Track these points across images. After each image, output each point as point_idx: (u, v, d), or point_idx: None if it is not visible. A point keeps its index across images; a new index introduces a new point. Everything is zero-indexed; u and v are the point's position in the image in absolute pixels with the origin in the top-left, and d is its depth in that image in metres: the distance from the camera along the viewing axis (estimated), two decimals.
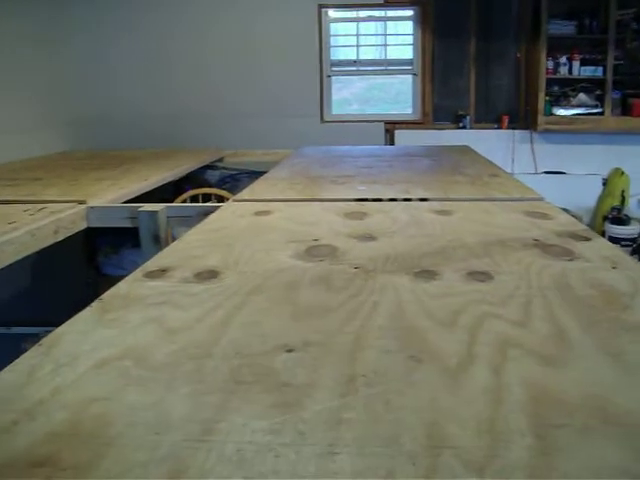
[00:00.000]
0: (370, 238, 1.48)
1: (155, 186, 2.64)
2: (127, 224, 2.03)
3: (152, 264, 1.30)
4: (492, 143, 4.55)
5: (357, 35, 4.99)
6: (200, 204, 2.26)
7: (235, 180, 3.65)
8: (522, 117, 4.74)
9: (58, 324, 0.96)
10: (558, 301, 1.04)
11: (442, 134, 4.71)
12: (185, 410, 0.70)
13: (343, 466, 0.58)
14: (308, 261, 1.29)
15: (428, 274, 1.19)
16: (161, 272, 1.24)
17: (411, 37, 4.80)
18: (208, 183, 3.49)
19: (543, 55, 4.41)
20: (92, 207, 2.08)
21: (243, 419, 0.67)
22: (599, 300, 1.05)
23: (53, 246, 2.51)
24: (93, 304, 1.07)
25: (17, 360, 0.84)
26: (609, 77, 4.51)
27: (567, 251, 1.36)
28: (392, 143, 4.75)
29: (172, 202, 2.41)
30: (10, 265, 1.99)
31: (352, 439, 0.63)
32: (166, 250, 1.44)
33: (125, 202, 2.30)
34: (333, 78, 4.95)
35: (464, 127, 4.73)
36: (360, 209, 1.83)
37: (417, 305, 1.02)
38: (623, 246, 4.52)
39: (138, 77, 4.93)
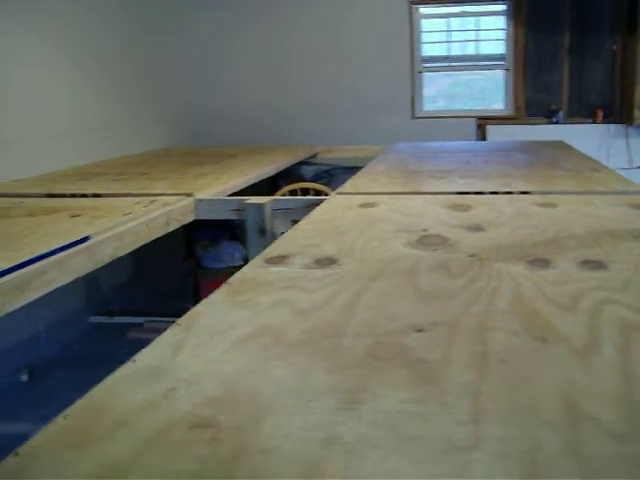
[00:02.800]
0: (478, 229, 1.51)
1: (255, 180, 2.72)
2: (233, 216, 2.11)
3: (271, 251, 1.36)
4: (586, 138, 4.47)
5: (448, 31, 4.99)
6: (303, 197, 2.32)
7: (330, 175, 3.72)
8: (617, 111, 4.64)
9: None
10: None
11: (535, 129, 4.65)
12: (330, 382, 0.75)
13: (488, 433, 0.62)
14: (422, 250, 1.33)
15: (542, 262, 1.21)
16: (281, 258, 1.29)
17: (503, 32, 4.76)
18: (304, 178, 3.57)
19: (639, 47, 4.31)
20: (200, 199, 2.17)
21: (386, 390, 0.72)
22: None
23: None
24: (222, 287, 1.14)
25: (158, 338, 0.90)
26: None
27: None
28: (484, 139, 4.73)
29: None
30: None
31: (493, 409, 0.67)
32: (281, 239, 1.50)
33: (229, 195, 2.38)
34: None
35: (557, 122, 4.66)
36: (464, 201, 1.85)
37: (536, 291, 1.05)
38: None
39: (235, 75, 5.04)
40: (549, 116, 4.74)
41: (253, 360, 0.82)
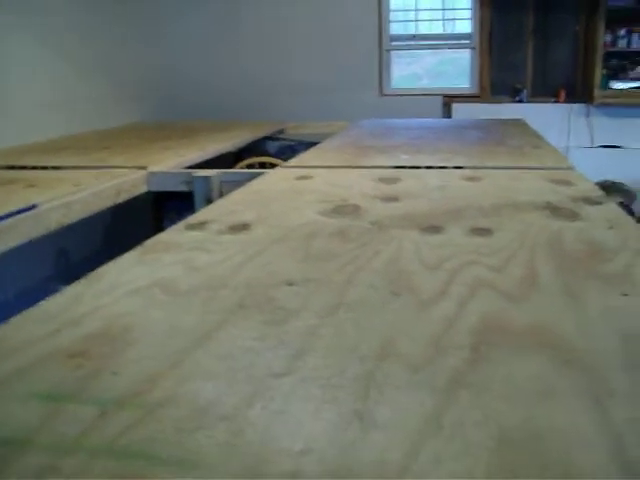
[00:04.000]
0: (394, 199, 1.61)
1: (212, 156, 2.82)
2: (184, 188, 2.21)
3: (194, 218, 1.46)
4: (548, 116, 4.57)
5: (416, 10, 5.07)
6: (251, 170, 2.42)
7: (293, 150, 3.80)
8: (579, 91, 4.74)
9: None
10: (544, 253, 1.15)
11: (499, 108, 4.75)
12: (194, 323, 0.85)
13: (307, 364, 0.73)
14: (331, 217, 1.43)
15: (434, 229, 1.32)
16: (200, 224, 1.40)
17: (469, 11, 4.85)
18: (268, 153, 3.66)
19: (601, 28, 4.39)
20: (152, 172, 2.27)
21: (237, 331, 0.83)
22: (583, 254, 1.16)
23: (123, 212, 2.72)
24: (137, 248, 1.24)
25: (65, 288, 1.01)
26: None
27: (573, 213, 1.46)
28: (449, 116, 4.83)
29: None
30: (83, 228, 2.20)
31: (320, 347, 0.77)
32: (209, 207, 1.60)
33: (184, 168, 2.48)
34: (401, 53, 5.06)
35: (521, 101, 4.76)
36: (396, 175, 1.95)
37: (414, 254, 1.15)
38: None
39: (206, 51, 5.13)
40: (513, 95, 4.84)
41: (137, 306, 0.92)
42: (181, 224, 1.41)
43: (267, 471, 0.54)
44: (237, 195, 1.72)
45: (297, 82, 4.93)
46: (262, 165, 3.01)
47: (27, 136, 3.30)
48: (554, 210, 1.48)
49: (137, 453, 0.57)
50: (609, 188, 4.42)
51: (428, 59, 5.87)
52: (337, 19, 4.88)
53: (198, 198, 2.13)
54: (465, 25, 4.94)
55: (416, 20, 5.07)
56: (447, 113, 4.84)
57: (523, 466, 0.54)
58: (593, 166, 4.65)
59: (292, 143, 3.88)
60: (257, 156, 3.26)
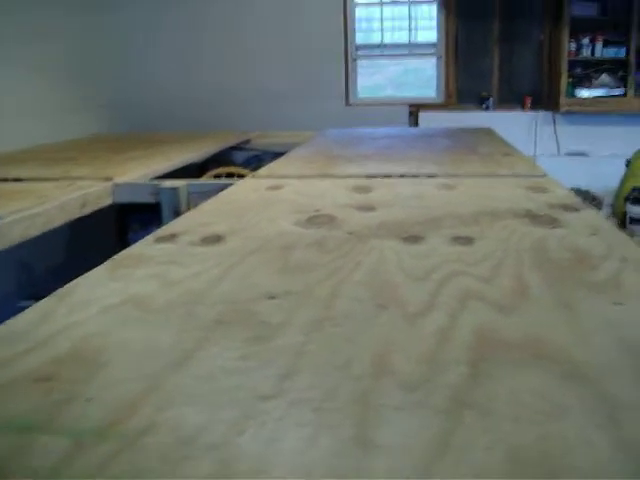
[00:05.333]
0: (370, 209, 1.57)
1: (178, 166, 2.76)
2: (151, 200, 2.15)
3: (164, 230, 1.41)
4: (515, 124, 4.59)
5: (382, 19, 5.07)
6: (220, 181, 2.37)
7: (259, 160, 3.76)
8: (545, 99, 4.77)
9: None
10: (530, 261, 1.12)
11: (466, 116, 4.76)
12: (171, 342, 0.80)
13: (293, 385, 0.68)
14: (308, 228, 1.39)
15: (415, 239, 1.28)
16: (171, 237, 1.34)
17: (434, 20, 4.86)
18: (234, 164, 3.61)
19: (565, 37, 4.43)
20: (117, 184, 2.20)
21: (219, 349, 0.78)
22: (569, 262, 1.13)
23: (86, 224, 2.64)
24: (106, 262, 1.18)
25: (34, 305, 0.96)
26: (632, 58, 4.52)
27: (553, 220, 1.43)
28: (416, 125, 4.82)
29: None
30: (45, 240, 2.13)
31: (309, 366, 0.73)
32: (179, 218, 1.55)
33: (151, 179, 2.42)
34: (365, 62, 5.04)
35: (487, 109, 4.78)
36: (368, 184, 1.92)
37: (396, 264, 1.11)
38: None
39: (170, 61, 5.08)
40: (480, 103, 4.86)
41: (110, 325, 0.87)
42: (150, 237, 1.35)
43: None
44: (207, 206, 1.67)
45: (263, 91, 4.91)
46: (229, 175, 2.96)
47: None
48: (533, 217, 1.46)
49: None
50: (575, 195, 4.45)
51: (392, 69, 5.88)
52: (302, 29, 4.86)
53: (165, 210, 2.07)
54: (430, 34, 4.95)
55: (382, 29, 5.06)
56: (414, 122, 4.84)
57: None
58: (560, 174, 4.67)
59: (258, 153, 3.83)
60: (223, 167, 3.21)
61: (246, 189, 1.90)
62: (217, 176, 2.92)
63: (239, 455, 0.56)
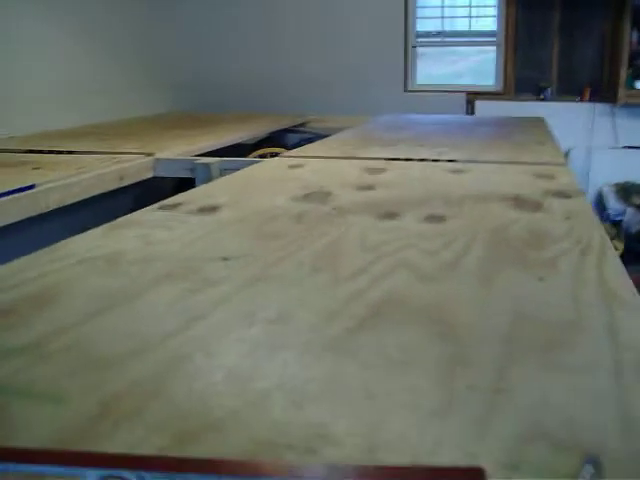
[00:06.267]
0: (369, 188, 1.67)
1: (226, 145, 2.90)
2: (187, 174, 2.30)
3: (171, 199, 1.54)
4: (572, 116, 4.55)
5: (442, 7, 5.08)
6: (250, 158, 2.49)
7: (311, 142, 3.87)
8: (605, 90, 4.70)
9: None
10: (484, 240, 1.20)
11: (523, 105, 4.74)
12: (117, 290, 0.93)
13: (198, 326, 0.80)
14: (298, 203, 1.50)
15: (390, 215, 1.37)
16: (173, 206, 1.48)
17: (495, 8, 4.85)
18: (286, 145, 3.73)
19: (627, 26, 4.35)
20: (158, 159, 2.36)
21: (156, 297, 0.90)
22: (522, 242, 1.20)
23: (127, 197, 2.81)
24: (107, 224, 1.32)
25: (26, 256, 1.10)
26: None
27: (537, 205, 1.49)
28: (472, 114, 4.84)
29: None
30: (86, 214, 2.30)
31: (223, 310, 0.84)
32: (192, 190, 1.68)
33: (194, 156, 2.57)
34: (444, 51, 5.09)
35: (545, 99, 4.74)
36: (384, 166, 2.00)
37: (358, 237, 1.21)
38: None
39: (245, 44, 5.24)
40: (538, 93, 4.82)
41: (79, 273, 1.01)
42: (156, 205, 1.49)
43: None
44: (222, 180, 1.80)
45: (323, 77, 5.02)
46: (274, 155, 3.09)
47: (58, 123, 3.43)
48: (519, 202, 1.52)
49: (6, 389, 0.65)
50: (629, 189, 4.39)
51: (473, 58, 5.86)
52: (364, 15, 4.94)
53: (199, 184, 2.21)
54: (491, 23, 4.95)
55: (442, 17, 5.09)
56: (470, 110, 4.86)
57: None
58: (616, 167, 4.63)
59: (311, 136, 3.94)
60: (271, 147, 3.34)
61: (268, 167, 2.02)
62: (262, 155, 3.05)
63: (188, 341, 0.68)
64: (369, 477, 0.37)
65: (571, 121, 4.37)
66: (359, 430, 0.57)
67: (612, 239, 4.49)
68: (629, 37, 4.40)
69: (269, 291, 0.92)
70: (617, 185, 4.66)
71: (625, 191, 4.59)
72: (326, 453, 0.54)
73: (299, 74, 5.06)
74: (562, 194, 1.63)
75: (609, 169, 4.55)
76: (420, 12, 4.99)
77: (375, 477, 0.38)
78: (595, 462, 0.52)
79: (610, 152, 4.64)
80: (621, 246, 4.45)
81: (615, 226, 4.66)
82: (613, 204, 4.65)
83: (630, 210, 4.52)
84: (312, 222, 1.32)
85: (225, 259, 1.07)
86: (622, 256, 4.45)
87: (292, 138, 3.90)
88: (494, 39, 4.91)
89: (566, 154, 4.60)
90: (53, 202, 1.89)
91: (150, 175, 2.34)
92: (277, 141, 3.71)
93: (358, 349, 0.74)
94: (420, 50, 5.10)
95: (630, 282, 0.99)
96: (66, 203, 1.96)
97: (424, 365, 0.70)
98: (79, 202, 2.01)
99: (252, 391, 0.64)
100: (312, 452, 0.54)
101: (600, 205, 4.83)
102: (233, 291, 0.92)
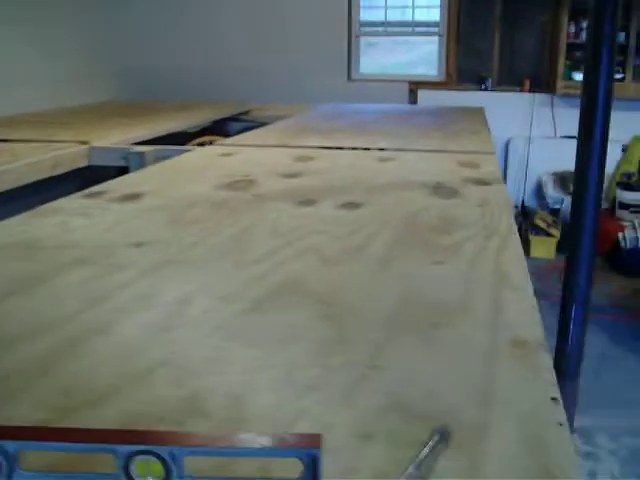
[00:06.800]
0: (295, 176, 1.70)
1: (164, 133, 2.91)
2: (122, 163, 2.30)
3: (96, 187, 1.55)
4: (513, 106, 4.65)
5: None
6: (184, 147, 2.51)
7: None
8: (544, 81, 4.81)
9: None
10: (395, 226, 1.24)
11: (464, 95, 4.82)
12: (30, 273, 0.95)
13: (111, 303, 0.83)
14: (222, 190, 1.52)
15: (308, 202, 1.41)
16: (98, 193, 1.49)
17: None
18: (228, 134, 3.75)
19: (565, 19, 4.47)
20: (93, 147, 2.36)
21: (65, 280, 0.92)
22: (432, 228, 1.25)
23: (68, 187, 2.80)
24: (29, 211, 1.34)
25: None
26: (632, 43, 4.53)
27: (453, 192, 1.54)
28: (415, 103, 4.91)
29: None
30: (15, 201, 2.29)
31: (120, 295, 0.87)
32: (118, 178, 1.69)
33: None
34: (398, 40, 5.14)
35: (486, 89, 4.84)
36: (315, 154, 2.04)
37: (272, 222, 1.25)
38: (632, 212, 4.57)
39: (187, 32, 5.23)
40: (480, 83, 4.91)
41: None
42: (80, 193, 1.50)
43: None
44: (150, 169, 1.82)
45: (266, 66, 5.04)
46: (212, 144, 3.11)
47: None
48: (437, 189, 1.57)
49: None
50: (567, 178, 4.50)
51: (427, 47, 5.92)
52: (307, 5, 4.97)
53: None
54: (433, 13, 5.02)
55: (386, 7, 5.14)
56: (413, 99, 4.93)
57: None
58: (555, 156, 4.74)
59: (254, 124, 3.96)
60: (211, 136, 3.35)
61: (199, 155, 2.04)
62: (201, 144, 3.06)
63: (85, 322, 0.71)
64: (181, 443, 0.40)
65: (511, 111, 4.47)
66: (230, 403, 0.61)
67: (549, 226, 4.61)
68: (567, 29, 4.51)
69: (174, 275, 0.95)
70: (555, 174, 4.77)
71: (563, 180, 4.71)
72: (195, 425, 0.57)
73: (243, 63, 5.08)
74: (482, 181, 1.68)
75: (548, 158, 4.65)
76: (365, 2, 5.04)
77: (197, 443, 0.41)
78: (443, 431, 0.57)
79: (549, 141, 4.75)
80: (558, 233, 4.57)
81: (553, 214, 4.79)
82: (551, 192, 4.77)
83: (568, 198, 4.64)
84: (229, 209, 1.35)
85: (139, 245, 1.09)
86: (559, 243, 4.57)
87: (234, 127, 3.91)
88: (437, 29, 4.98)
89: (506, 143, 4.70)
90: None
91: (85, 164, 2.35)
92: (219, 130, 3.72)
93: (246, 329, 0.78)
94: (373, 40, 5.16)
95: (524, 266, 1.05)
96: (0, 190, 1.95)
97: (306, 344, 0.74)
98: (14, 191, 2.00)
99: (138, 368, 0.67)
100: (181, 424, 0.57)
101: (539, 193, 4.94)
102: (139, 275, 0.95)
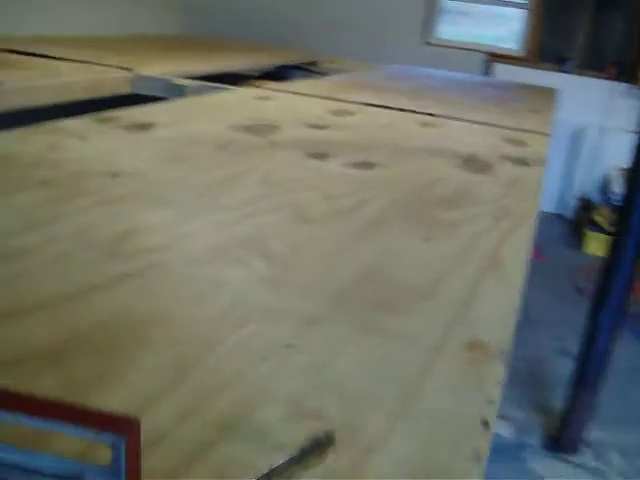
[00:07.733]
0: (322, 128, 1.61)
1: (216, 72, 2.83)
2: (164, 94, 2.24)
3: (110, 113, 1.49)
4: (591, 92, 4.39)
5: None
6: (227, 85, 2.43)
7: None
8: (630, 70, 4.53)
9: None
10: (398, 194, 1.15)
11: (541, 74, 4.56)
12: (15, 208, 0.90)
13: (92, 236, 0.77)
14: (237, 132, 1.45)
15: (319, 156, 1.32)
16: (110, 119, 1.43)
17: None
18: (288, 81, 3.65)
19: None
20: (138, 75, 2.31)
21: (27, 204, 0.87)
22: (440, 201, 1.15)
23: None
24: (32, 126, 1.29)
25: None
26: None
27: (485, 167, 1.43)
28: (488, 75, 4.70)
29: None
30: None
31: (84, 213, 0.81)
32: (135, 107, 1.62)
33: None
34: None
35: (566, 71, 4.58)
36: (356, 110, 1.94)
37: (268, 171, 1.17)
38: None
39: None
40: (560, 63, 4.66)
41: None
42: (92, 116, 1.45)
43: None
44: (179, 102, 1.75)
45: (344, 17, 4.90)
46: None
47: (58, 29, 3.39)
48: (468, 162, 1.46)
49: None
50: None
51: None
52: None
53: None
54: None
55: None
56: (488, 72, 4.71)
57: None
58: (628, 150, 4.47)
59: (318, 76, 3.86)
60: (265, 80, 3.27)
61: (235, 95, 1.97)
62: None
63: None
64: None
65: (589, 97, 4.22)
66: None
67: (610, 224, 4.38)
68: None
69: (134, 210, 0.89)
70: (625, 170, 4.51)
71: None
72: None
73: (319, 11, 4.96)
74: (521, 161, 1.56)
75: (621, 153, 4.39)
76: None
77: None
78: (327, 435, 0.48)
79: (625, 135, 4.48)
80: None
81: (616, 212, 4.54)
82: (617, 189, 4.51)
83: None
84: (235, 151, 1.28)
85: (114, 175, 1.03)
86: None
87: (297, 75, 3.81)
88: (525, 1, 4.73)
89: (578, 131, 4.44)
90: (16, 102, 1.86)
91: (127, 91, 2.29)
92: (281, 77, 3.62)
93: (173, 287, 0.70)
94: (464, 9, 4.96)
95: (523, 255, 0.94)
96: (27, 105, 1.92)
97: (265, 320, 0.66)
98: (50, 108, 1.96)
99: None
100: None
101: (605, 188, 4.69)
102: (96, 206, 0.88)
